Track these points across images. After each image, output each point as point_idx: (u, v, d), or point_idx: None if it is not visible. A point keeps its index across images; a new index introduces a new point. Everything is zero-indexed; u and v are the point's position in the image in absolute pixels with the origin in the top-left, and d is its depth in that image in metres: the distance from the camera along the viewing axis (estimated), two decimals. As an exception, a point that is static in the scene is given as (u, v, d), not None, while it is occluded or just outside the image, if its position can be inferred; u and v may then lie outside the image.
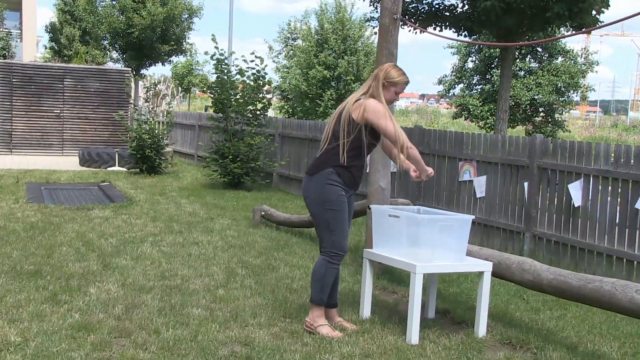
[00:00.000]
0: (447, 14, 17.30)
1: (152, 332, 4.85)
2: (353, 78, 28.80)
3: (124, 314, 5.23)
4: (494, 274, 5.30)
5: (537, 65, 33.52)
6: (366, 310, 5.50)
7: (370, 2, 18.16)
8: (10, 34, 29.84)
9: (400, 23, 7.02)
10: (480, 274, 5.21)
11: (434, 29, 17.25)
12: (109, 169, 16.47)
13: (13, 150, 19.11)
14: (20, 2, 35.73)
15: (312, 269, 6.93)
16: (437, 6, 17.35)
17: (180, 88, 52.36)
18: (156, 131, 15.64)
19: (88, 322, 4.97)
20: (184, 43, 33.14)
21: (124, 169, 16.29)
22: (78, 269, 6.56)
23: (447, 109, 54.46)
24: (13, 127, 19.14)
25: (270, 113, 16.41)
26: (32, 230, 8.32)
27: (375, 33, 21.34)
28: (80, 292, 5.79)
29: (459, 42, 32.93)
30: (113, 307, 5.38)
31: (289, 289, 6.18)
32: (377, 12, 18.31)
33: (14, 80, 19.16)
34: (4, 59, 24.77)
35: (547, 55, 33.04)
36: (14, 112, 19.14)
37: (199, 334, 4.83)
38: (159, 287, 6.03)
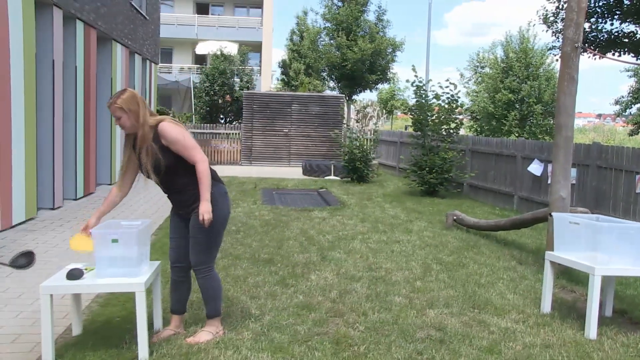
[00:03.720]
0: (626, 40, 15.89)
1: (361, 314, 4.94)
2: (535, 100, 27.43)
3: (338, 298, 5.38)
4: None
5: None
6: (547, 306, 5.24)
7: (553, 33, 17.17)
8: (252, 70, 31.96)
9: (581, 50, 6.59)
10: (662, 280, 4.72)
11: (613, 54, 15.92)
12: (326, 177, 17.03)
13: (252, 162, 20.44)
14: (260, 45, 38.28)
15: (497, 267, 6.74)
16: (616, 34, 15.99)
17: (384, 110, 52.90)
18: (365, 147, 15.93)
19: (309, 303, 5.18)
20: (388, 73, 33.39)
21: (338, 178, 16.75)
22: (302, 259, 6.86)
23: (623, 127, 50.04)
24: (253, 143, 20.48)
25: (462, 131, 16.04)
26: (266, 226, 8.83)
27: (557, 60, 20.15)
28: (303, 278, 6.04)
29: (637, 66, 30.17)
30: (329, 292, 5.55)
31: (478, 284, 6.00)
32: (558, 41, 17.28)
33: (254, 106, 20.50)
34: (248, 89, 26.52)
35: None
36: (253, 132, 20.47)
37: (399, 318, 4.85)
38: (366, 277, 6.13)
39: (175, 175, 4.12)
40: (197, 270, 4.25)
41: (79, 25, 11.44)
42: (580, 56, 6.67)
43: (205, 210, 3.99)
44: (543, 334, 4.66)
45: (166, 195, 4.29)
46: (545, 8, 17.54)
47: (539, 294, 5.60)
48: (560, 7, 16.17)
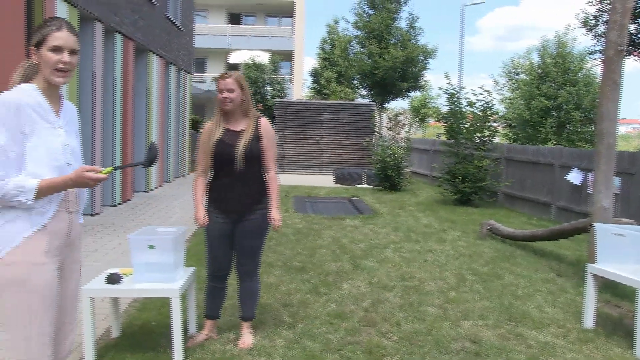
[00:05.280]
0: None
1: (394, 324, 4.91)
2: (574, 107, 26.95)
3: (371, 307, 5.36)
4: None
5: None
6: (589, 321, 5.07)
7: (594, 37, 16.86)
8: (284, 79, 32.17)
9: (625, 54, 6.46)
10: None
11: (662, 56, 15.55)
12: (357, 186, 17.01)
13: (285, 169, 20.53)
14: (291, 54, 38.50)
15: (534, 279, 6.63)
16: (663, 34, 15.58)
17: (416, 118, 52.71)
18: (397, 155, 15.88)
19: (342, 312, 5.17)
20: (420, 80, 33.29)
21: (370, 186, 16.71)
22: (334, 267, 6.85)
23: (671, 133, 48.91)
24: (285, 151, 20.57)
25: (496, 139, 15.87)
26: (298, 235, 8.85)
27: (597, 65, 19.81)
28: (336, 286, 6.03)
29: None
30: (362, 301, 5.54)
31: (514, 296, 5.92)
32: (599, 45, 16.96)
33: (286, 114, 20.61)
34: (280, 98, 26.67)
35: None
36: (285, 140, 20.57)
37: (433, 329, 4.80)
38: (399, 287, 6.10)
39: (259, 168, 4.24)
40: (254, 274, 4.39)
41: (118, 38, 11.71)
42: (625, 59, 6.54)
43: (279, 217, 4.26)
44: (586, 350, 4.52)
45: (225, 192, 4.18)
46: (585, 11, 17.20)
47: (580, 308, 5.47)
48: (602, 9, 15.88)
